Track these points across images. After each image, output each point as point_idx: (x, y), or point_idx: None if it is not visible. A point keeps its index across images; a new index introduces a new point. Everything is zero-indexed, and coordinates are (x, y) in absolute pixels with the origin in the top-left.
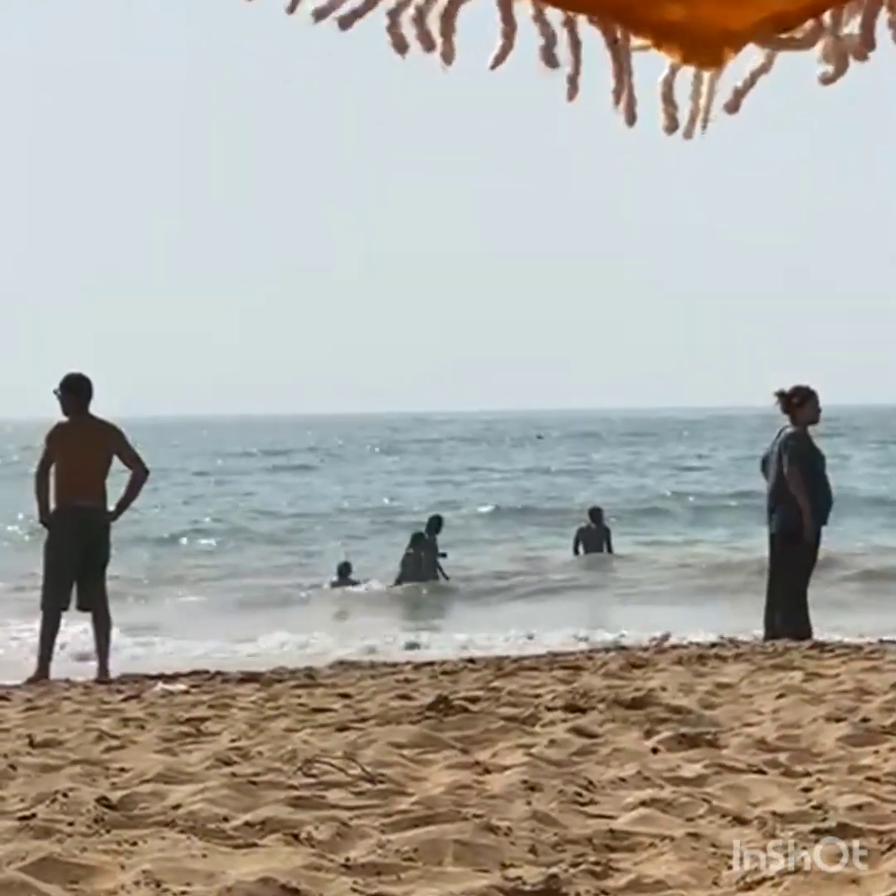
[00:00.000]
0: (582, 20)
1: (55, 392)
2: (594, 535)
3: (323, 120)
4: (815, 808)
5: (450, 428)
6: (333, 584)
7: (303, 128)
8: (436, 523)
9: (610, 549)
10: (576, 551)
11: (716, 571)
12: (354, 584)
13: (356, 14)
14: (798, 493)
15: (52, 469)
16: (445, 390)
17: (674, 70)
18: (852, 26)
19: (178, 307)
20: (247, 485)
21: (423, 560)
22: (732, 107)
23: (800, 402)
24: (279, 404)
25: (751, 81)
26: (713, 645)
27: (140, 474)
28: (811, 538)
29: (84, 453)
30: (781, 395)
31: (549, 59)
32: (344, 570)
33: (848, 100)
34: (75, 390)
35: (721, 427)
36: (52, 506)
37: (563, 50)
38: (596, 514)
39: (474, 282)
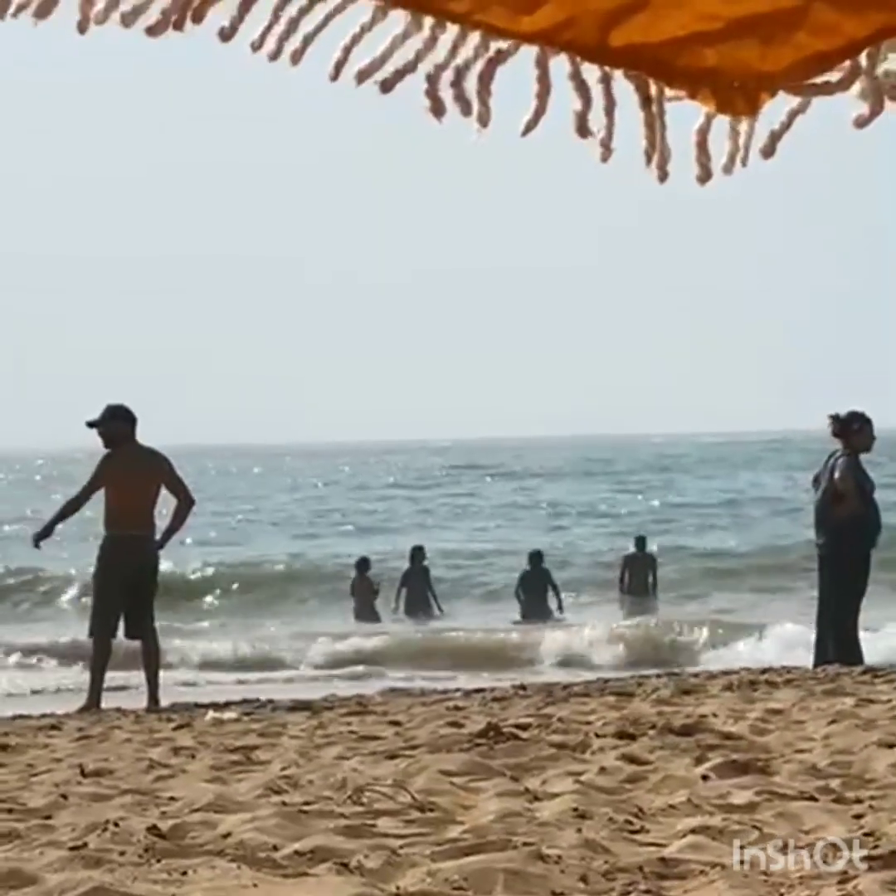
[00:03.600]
0: (618, 75)
1: (91, 424)
2: (640, 564)
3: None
4: (867, 835)
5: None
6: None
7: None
8: (419, 553)
9: (655, 578)
10: (622, 580)
11: None
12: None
13: (399, 75)
14: (852, 499)
15: (103, 497)
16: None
17: (709, 119)
18: (890, 62)
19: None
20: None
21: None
22: (768, 151)
23: (858, 428)
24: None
25: (788, 124)
26: (764, 671)
27: (186, 503)
28: (867, 547)
29: (134, 482)
30: (837, 420)
31: (583, 129)
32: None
33: None
34: (124, 418)
35: None
36: (104, 533)
37: (597, 113)
38: (641, 542)
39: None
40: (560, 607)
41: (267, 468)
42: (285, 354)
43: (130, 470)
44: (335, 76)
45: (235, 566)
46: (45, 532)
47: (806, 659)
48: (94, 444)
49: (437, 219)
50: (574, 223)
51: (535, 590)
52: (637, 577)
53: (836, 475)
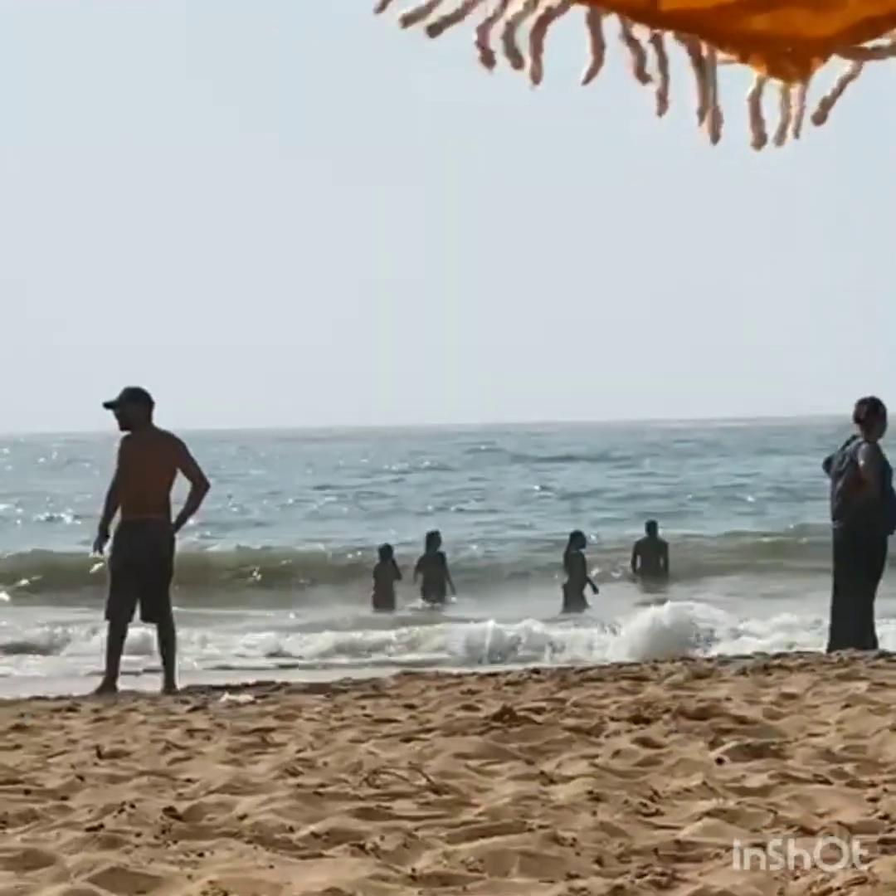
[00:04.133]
0: (668, 37)
1: (107, 405)
2: (651, 549)
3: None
4: (882, 818)
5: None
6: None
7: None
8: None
9: (666, 564)
10: (634, 565)
11: None
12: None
13: (446, 21)
14: (873, 486)
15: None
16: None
17: (760, 83)
18: None
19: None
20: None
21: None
22: (820, 118)
23: (883, 414)
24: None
25: (839, 90)
26: (778, 656)
27: (201, 487)
28: (885, 532)
29: (149, 466)
30: (865, 403)
31: (642, 75)
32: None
33: None
34: (140, 401)
35: None
36: (118, 518)
37: (650, 67)
38: (652, 527)
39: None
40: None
41: (282, 453)
42: (305, 337)
43: (146, 453)
44: (380, 9)
45: (253, 551)
46: (101, 537)
47: (819, 644)
48: (112, 428)
49: (463, 206)
50: (586, 208)
51: (575, 575)
52: (648, 562)
53: (862, 462)
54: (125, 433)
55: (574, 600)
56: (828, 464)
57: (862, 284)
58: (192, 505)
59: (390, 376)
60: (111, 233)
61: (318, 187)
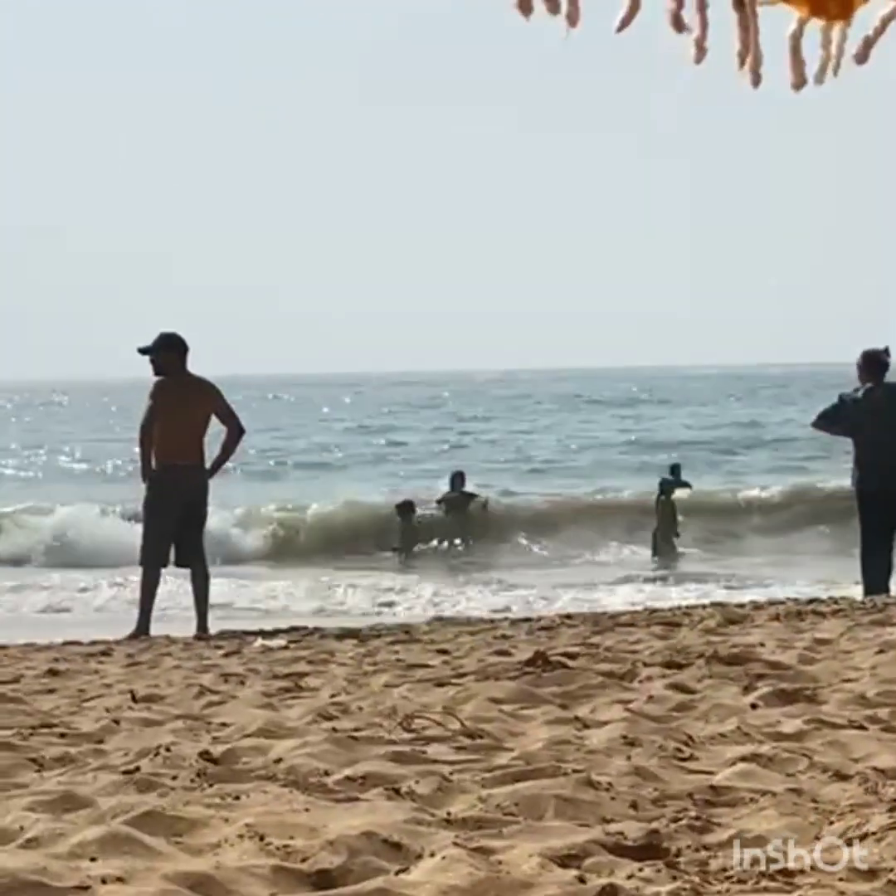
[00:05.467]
0: None
1: (142, 351)
2: (663, 508)
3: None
4: None
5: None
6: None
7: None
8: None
9: (675, 519)
10: (658, 504)
11: None
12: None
13: None
14: None
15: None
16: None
17: (801, 24)
18: None
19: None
20: None
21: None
22: (862, 57)
23: None
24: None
25: (881, 29)
26: (811, 601)
27: (236, 432)
28: None
29: (184, 412)
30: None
31: (678, 23)
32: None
33: None
34: (175, 348)
35: None
36: (153, 464)
37: (689, 13)
38: (676, 469)
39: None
40: None
41: (305, 398)
42: (342, 287)
43: (180, 399)
44: None
45: (280, 502)
46: (146, 471)
47: (850, 592)
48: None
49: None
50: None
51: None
52: (661, 522)
53: None
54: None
55: (664, 547)
56: (844, 410)
57: None
58: (227, 450)
59: None
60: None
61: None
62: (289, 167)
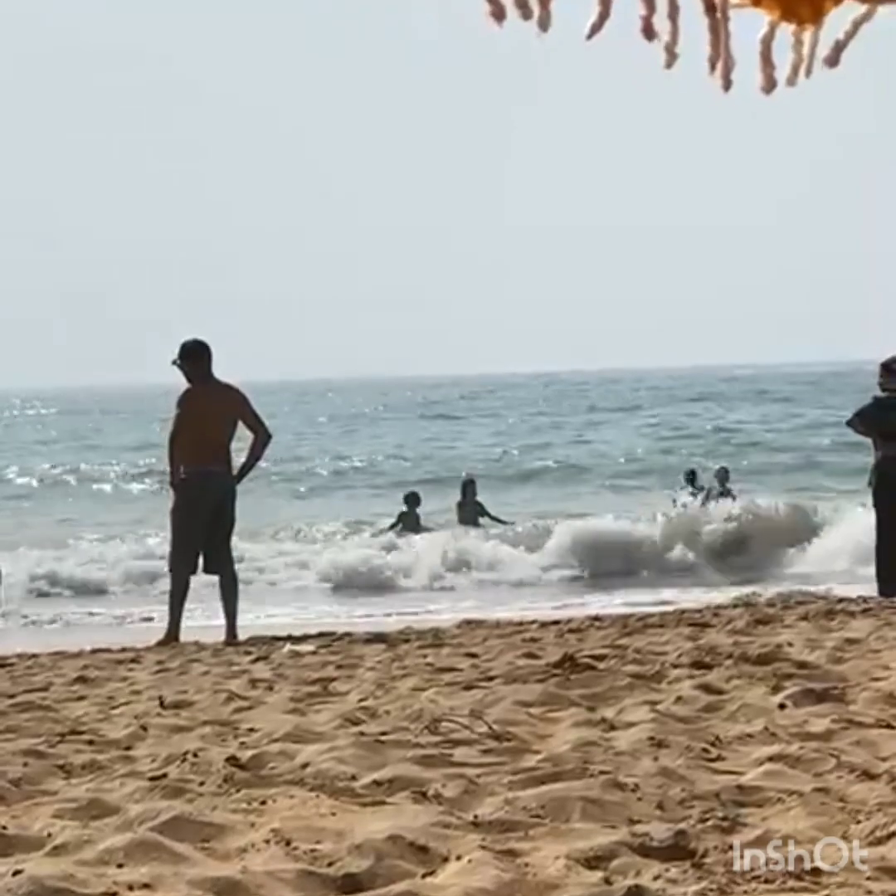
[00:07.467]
0: None
1: (175, 363)
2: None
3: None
4: None
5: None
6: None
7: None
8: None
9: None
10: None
11: None
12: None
13: None
14: None
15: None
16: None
17: (772, 27)
18: None
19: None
20: None
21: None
22: (832, 60)
23: None
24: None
25: (852, 32)
26: (840, 600)
27: (263, 438)
28: None
29: (210, 418)
30: None
31: (648, 31)
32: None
33: None
34: (197, 356)
35: None
36: (181, 470)
37: (660, 19)
38: (723, 472)
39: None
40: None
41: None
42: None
43: (206, 406)
44: None
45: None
46: (175, 477)
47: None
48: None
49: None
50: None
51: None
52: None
53: None
54: (187, 386)
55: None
56: (861, 416)
57: None
58: (254, 456)
59: None
60: None
61: None
62: (305, 173)
